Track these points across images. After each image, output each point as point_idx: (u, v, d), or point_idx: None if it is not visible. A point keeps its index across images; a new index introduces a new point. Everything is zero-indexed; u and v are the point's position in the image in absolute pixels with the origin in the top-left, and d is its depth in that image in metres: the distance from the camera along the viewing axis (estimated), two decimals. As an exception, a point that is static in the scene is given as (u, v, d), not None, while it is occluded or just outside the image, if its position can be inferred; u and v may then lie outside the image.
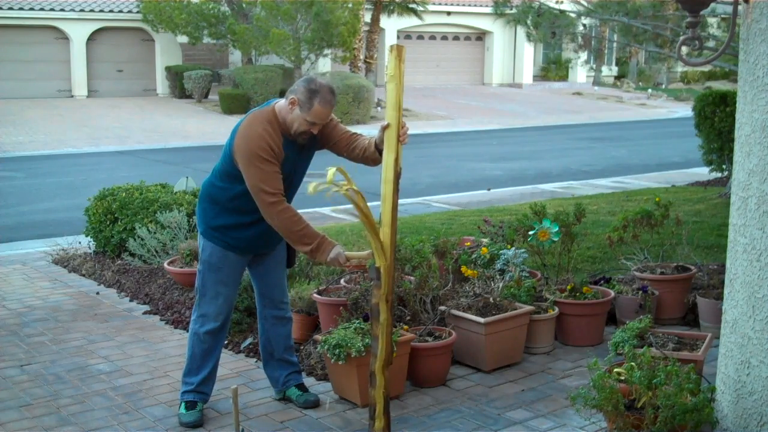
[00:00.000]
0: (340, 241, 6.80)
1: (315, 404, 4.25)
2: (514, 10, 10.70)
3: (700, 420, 3.39)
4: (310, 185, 3.33)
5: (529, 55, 33.91)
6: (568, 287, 5.24)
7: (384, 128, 3.58)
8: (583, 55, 12.97)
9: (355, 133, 4.09)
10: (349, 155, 4.06)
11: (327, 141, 4.06)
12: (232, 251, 4.05)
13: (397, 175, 3.49)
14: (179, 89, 26.47)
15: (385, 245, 3.47)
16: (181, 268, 6.27)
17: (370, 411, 3.64)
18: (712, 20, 11.01)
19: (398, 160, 3.49)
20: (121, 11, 26.82)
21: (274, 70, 24.38)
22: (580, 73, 34.25)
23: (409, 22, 29.98)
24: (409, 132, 3.66)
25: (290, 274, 5.53)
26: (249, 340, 5.15)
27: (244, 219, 3.98)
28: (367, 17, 26.47)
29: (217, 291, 4.10)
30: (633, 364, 3.70)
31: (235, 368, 4.82)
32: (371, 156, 3.96)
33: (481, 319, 4.61)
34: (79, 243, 7.78)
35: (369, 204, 3.46)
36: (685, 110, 25.30)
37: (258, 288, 4.31)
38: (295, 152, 3.95)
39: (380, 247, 3.45)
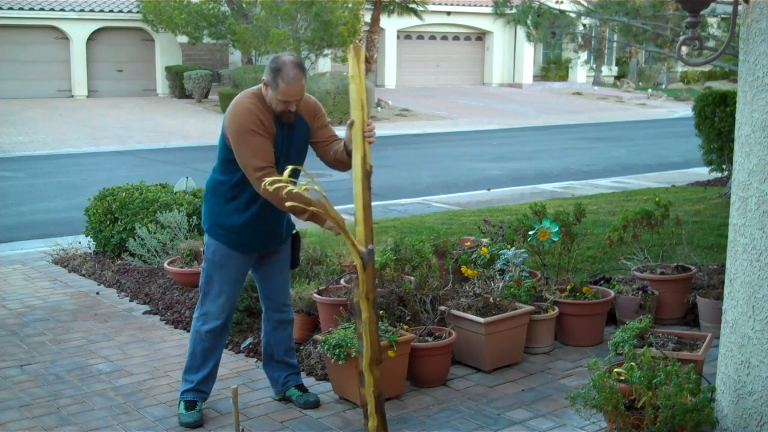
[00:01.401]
0: (330, 241, 6.81)
1: (315, 404, 4.25)
2: (514, 10, 10.69)
3: (700, 420, 3.40)
4: (266, 180, 3.32)
5: (529, 55, 33.92)
6: (568, 287, 5.24)
7: (350, 125, 3.55)
8: (583, 55, 12.96)
9: (337, 138, 4.07)
10: (324, 158, 4.08)
11: (312, 137, 4.06)
12: (236, 249, 4.05)
13: (367, 173, 3.47)
14: (179, 89, 26.48)
15: (359, 243, 3.46)
16: (181, 268, 6.27)
17: (363, 410, 3.65)
18: (712, 20, 11.01)
19: (366, 158, 3.48)
20: (121, 11, 26.82)
21: (274, 70, 24.35)
22: (580, 73, 34.26)
23: (409, 22, 29.98)
24: (375, 130, 3.59)
25: (290, 274, 5.53)
26: (249, 340, 5.15)
27: (246, 212, 3.97)
28: (367, 17, 26.46)
29: (221, 289, 4.10)
30: (633, 364, 3.70)
31: (235, 368, 4.82)
32: (340, 158, 3.94)
33: (481, 319, 4.61)
34: (79, 243, 7.77)
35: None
36: (685, 110, 25.30)
37: (261, 290, 4.32)
38: (285, 133, 3.93)
39: (353, 244, 3.45)
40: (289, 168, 3.26)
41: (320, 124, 4.06)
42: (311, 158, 4.09)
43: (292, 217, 4.20)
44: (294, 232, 4.27)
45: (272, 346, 4.34)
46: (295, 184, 3.31)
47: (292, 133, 3.97)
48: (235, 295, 4.19)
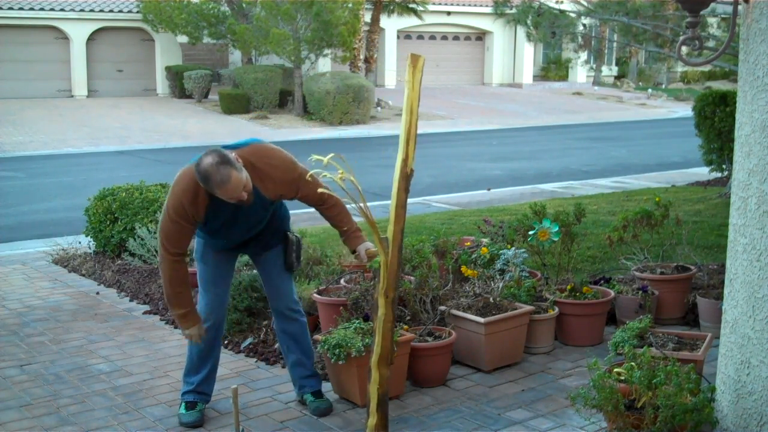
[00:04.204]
0: (330, 241, 6.81)
1: (325, 412, 4.15)
2: (514, 10, 10.70)
3: (700, 420, 3.40)
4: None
5: (529, 55, 33.90)
6: (568, 287, 5.24)
7: (358, 256, 4.04)
8: (583, 55, 12.99)
9: (328, 195, 4.01)
10: (317, 210, 4.13)
11: (295, 197, 4.01)
12: (210, 247, 4.09)
13: (406, 175, 3.52)
14: (179, 89, 26.47)
15: (390, 241, 3.50)
16: (181, 268, 6.27)
17: (367, 408, 3.65)
18: (712, 20, 11.00)
19: (408, 160, 3.53)
20: (121, 11, 26.82)
21: (274, 70, 24.38)
22: (580, 73, 34.24)
23: (409, 22, 29.99)
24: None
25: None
26: (249, 340, 5.15)
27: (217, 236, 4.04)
28: (367, 17, 26.47)
29: (206, 288, 4.13)
30: (633, 364, 3.70)
31: (235, 368, 4.82)
32: (334, 226, 4.17)
33: (481, 319, 4.61)
34: (79, 243, 7.78)
35: (368, 204, 3.46)
36: (685, 110, 25.29)
37: (265, 290, 4.31)
38: (236, 206, 3.85)
39: (379, 239, 3.48)
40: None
41: (298, 193, 3.96)
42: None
43: (288, 222, 4.21)
44: (287, 234, 4.18)
45: (283, 347, 4.32)
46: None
47: (245, 207, 3.88)
48: (221, 295, 4.15)
